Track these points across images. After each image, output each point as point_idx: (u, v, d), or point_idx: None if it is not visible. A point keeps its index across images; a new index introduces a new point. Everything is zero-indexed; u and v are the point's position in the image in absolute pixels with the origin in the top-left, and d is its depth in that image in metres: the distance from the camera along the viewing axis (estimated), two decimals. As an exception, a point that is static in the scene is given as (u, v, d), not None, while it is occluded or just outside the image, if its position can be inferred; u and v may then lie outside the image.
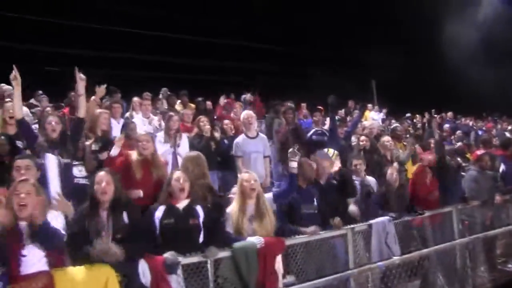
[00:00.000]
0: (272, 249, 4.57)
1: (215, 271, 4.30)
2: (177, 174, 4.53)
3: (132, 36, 17.17)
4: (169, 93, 11.13)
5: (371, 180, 6.49)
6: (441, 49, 21.17)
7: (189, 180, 4.52)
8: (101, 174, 4.12)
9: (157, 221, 4.26)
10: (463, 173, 8.13)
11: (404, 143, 8.32)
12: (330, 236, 5.28)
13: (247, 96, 13.00)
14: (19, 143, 5.88)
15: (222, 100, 11.72)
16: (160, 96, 11.61)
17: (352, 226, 5.50)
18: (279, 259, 4.68)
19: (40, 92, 9.96)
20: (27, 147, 5.39)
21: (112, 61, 16.12)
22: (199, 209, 4.43)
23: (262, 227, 4.67)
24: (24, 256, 3.44)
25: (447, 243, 6.41)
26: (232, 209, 4.76)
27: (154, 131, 7.53)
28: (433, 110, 12.63)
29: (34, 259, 3.49)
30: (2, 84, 10.87)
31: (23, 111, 5.50)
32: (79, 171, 5.49)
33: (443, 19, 21.36)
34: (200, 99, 10.44)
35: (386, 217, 5.85)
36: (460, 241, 6.58)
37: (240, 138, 6.92)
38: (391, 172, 6.38)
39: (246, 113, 7.17)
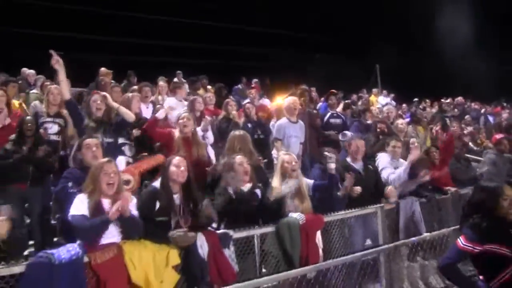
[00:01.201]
0: (313, 225, 4.85)
1: (261, 246, 4.58)
2: (240, 158, 4.79)
3: (143, 21, 17.29)
4: (192, 78, 11.22)
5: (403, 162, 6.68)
6: (443, 37, 21.38)
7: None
8: (180, 159, 4.34)
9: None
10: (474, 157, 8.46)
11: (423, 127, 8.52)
12: (361, 213, 5.57)
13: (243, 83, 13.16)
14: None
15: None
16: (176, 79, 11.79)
17: (381, 204, 5.78)
18: (318, 234, 4.95)
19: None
20: (76, 128, 5.56)
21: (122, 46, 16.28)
22: (258, 192, 4.76)
23: (303, 204, 4.95)
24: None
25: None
26: (273, 187, 5.02)
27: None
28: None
29: (110, 234, 3.80)
30: (25, 69, 11.11)
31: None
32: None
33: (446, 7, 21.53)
34: (221, 84, 10.59)
35: (413, 197, 6.16)
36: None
37: (283, 121, 7.03)
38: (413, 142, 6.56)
39: (292, 99, 7.30)
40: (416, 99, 14.73)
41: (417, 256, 5.94)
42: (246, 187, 4.74)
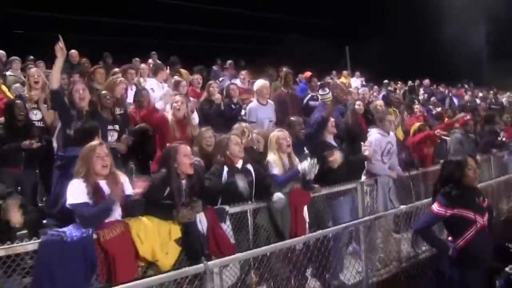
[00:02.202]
0: (301, 199, 5.21)
1: (254, 220, 4.91)
2: (236, 139, 5.05)
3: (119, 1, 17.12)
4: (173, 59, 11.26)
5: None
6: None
7: None
8: (187, 148, 4.52)
9: (224, 179, 4.83)
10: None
11: (394, 109, 8.96)
12: (343, 189, 5.99)
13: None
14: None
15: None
16: (150, 60, 11.89)
17: (361, 180, 6.24)
18: (305, 209, 5.31)
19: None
20: (60, 118, 5.51)
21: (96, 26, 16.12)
22: (250, 167, 5.03)
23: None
24: None
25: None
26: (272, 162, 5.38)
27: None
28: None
29: (115, 212, 4.04)
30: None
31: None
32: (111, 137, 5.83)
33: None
34: (201, 66, 10.74)
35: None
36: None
37: (254, 105, 7.33)
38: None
39: (263, 82, 7.57)
40: (386, 81, 15.18)
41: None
42: (239, 164, 5.00)
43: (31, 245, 3.59)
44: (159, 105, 6.16)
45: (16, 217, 3.81)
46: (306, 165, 5.18)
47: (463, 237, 4.15)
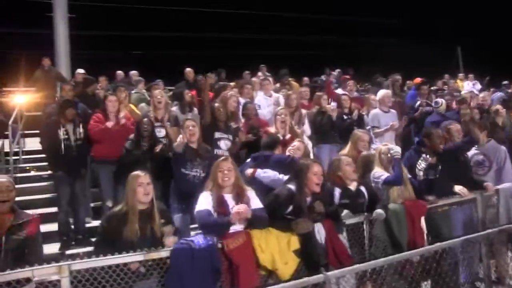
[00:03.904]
0: (417, 210, 5.12)
1: (370, 231, 4.92)
2: (348, 159, 5.17)
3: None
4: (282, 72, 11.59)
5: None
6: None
7: None
8: (319, 167, 4.69)
9: (336, 201, 4.94)
10: None
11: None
12: (458, 201, 5.76)
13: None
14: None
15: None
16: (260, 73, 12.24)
17: (480, 191, 5.93)
18: (422, 220, 5.20)
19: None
20: None
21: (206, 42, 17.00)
22: (363, 189, 5.11)
23: (406, 191, 5.25)
24: None
25: None
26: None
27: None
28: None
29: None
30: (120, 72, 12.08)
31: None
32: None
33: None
34: (315, 78, 10.94)
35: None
36: None
37: (377, 111, 7.56)
38: None
39: (385, 91, 7.79)
40: (506, 82, 14.06)
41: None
42: (353, 185, 5.08)
43: (164, 252, 3.95)
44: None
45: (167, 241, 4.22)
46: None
47: None
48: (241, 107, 7.56)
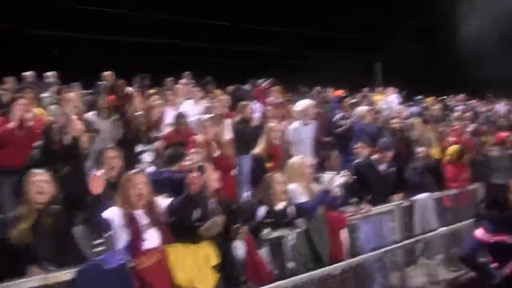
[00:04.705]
0: (338, 223, 5.08)
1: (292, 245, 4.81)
2: (280, 178, 5.03)
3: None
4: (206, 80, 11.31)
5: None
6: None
7: None
8: None
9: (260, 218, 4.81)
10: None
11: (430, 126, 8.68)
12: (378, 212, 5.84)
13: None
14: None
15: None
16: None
17: (397, 202, 6.07)
18: (344, 232, 5.18)
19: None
20: None
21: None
22: (291, 209, 4.93)
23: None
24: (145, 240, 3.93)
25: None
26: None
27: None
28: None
29: (151, 238, 3.97)
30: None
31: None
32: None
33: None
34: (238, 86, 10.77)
35: (426, 194, 6.44)
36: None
37: (297, 125, 7.20)
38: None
39: (309, 101, 7.56)
40: (419, 97, 14.66)
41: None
42: (282, 205, 4.90)
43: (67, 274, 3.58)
44: None
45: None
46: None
47: (510, 265, 3.88)
48: (167, 116, 7.27)
